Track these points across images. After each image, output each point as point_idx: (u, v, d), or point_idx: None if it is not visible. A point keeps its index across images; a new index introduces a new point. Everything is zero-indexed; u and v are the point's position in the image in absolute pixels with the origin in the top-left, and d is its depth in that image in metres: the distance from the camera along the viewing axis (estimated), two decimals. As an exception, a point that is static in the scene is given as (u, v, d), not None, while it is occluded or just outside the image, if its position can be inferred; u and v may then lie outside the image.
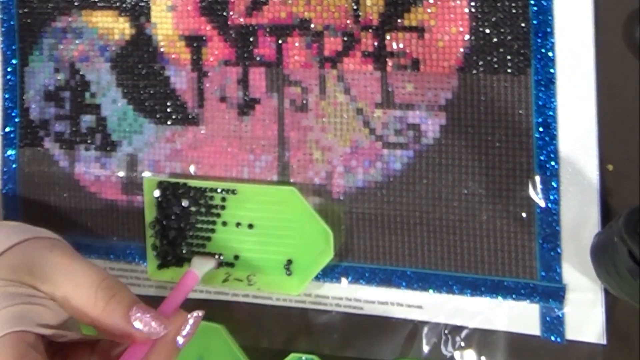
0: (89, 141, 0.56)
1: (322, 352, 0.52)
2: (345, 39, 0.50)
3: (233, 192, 0.52)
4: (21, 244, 0.42)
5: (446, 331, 0.49)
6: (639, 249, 0.39)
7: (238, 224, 0.53)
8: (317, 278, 0.51)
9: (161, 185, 0.54)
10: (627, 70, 0.46)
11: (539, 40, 0.47)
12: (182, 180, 0.53)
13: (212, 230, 0.53)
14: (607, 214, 0.46)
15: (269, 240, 0.52)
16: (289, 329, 0.53)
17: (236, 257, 0.53)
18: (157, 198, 0.54)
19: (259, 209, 0.52)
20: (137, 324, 0.40)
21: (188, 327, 0.42)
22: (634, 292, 0.41)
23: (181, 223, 0.54)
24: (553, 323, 0.47)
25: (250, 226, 0.52)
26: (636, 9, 0.45)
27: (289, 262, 0.52)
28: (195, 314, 0.43)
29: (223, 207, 0.53)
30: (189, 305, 0.54)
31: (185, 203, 0.53)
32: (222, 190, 0.53)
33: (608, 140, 0.46)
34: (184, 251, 0.54)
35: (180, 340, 0.42)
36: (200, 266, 0.51)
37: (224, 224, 0.53)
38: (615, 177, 0.46)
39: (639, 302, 0.41)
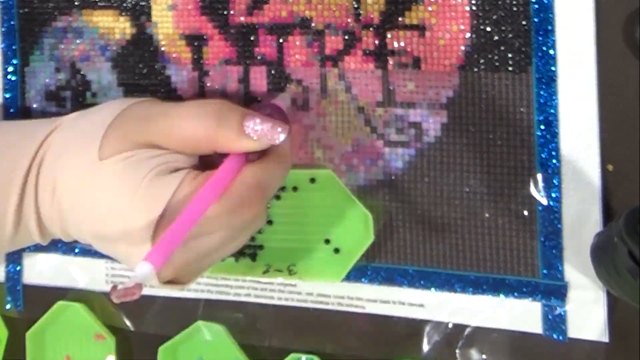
0: (90, 140, 0.56)
1: (323, 351, 0.52)
2: (346, 37, 0.50)
3: None
4: (121, 113, 0.45)
5: (448, 330, 0.49)
6: (639, 249, 0.39)
7: (276, 213, 0.52)
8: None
9: None
10: (627, 67, 0.46)
11: (540, 38, 0.46)
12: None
13: None
14: (609, 211, 0.46)
15: (307, 228, 0.51)
16: (291, 328, 0.53)
17: (276, 247, 0.52)
18: None
19: (296, 196, 0.51)
20: (251, 133, 0.42)
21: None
22: (634, 292, 0.41)
23: None
24: (555, 321, 0.47)
25: (289, 214, 0.51)
26: (637, 7, 0.45)
27: (334, 248, 0.51)
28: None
29: None
30: (189, 305, 0.55)
31: None
32: None
33: (609, 140, 0.46)
34: None
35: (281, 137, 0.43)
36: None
37: None
38: (616, 175, 0.46)
39: (639, 303, 0.41)
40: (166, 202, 0.41)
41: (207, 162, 0.45)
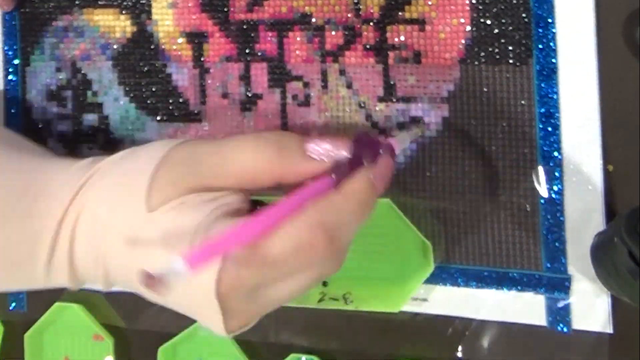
0: (91, 140, 0.56)
1: (327, 348, 0.52)
2: (347, 32, 0.50)
3: None
4: (166, 158, 0.41)
5: (452, 324, 0.49)
6: (639, 250, 0.39)
7: None
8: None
9: None
10: (627, 69, 0.46)
11: (540, 30, 0.47)
12: (263, 197, 0.50)
13: None
14: (611, 203, 0.46)
15: (363, 256, 0.50)
16: (293, 326, 0.52)
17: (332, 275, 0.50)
18: None
19: None
20: (314, 155, 0.40)
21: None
22: (634, 292, 0.41)
23: None
24: (559, 313, 0.47)
25: None
26: (636, 8, 0.45)
27: (392, 277, 0.49)
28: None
29: None
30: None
31: None
32: None
33: (609, 141, 0.46)
34: None
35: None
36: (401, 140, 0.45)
37: None
38: (617, 176, 0.46)
39: (639, 303, 0.41)
40: (219, 262, 0.36)
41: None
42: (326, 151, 0.40)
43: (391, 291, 0.49)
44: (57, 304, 0.57)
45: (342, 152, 0.40)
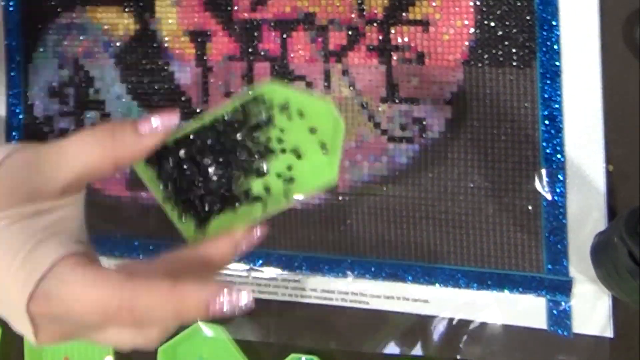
0: (93, 138, 0.56)
1: (326, 348, 0.52)
2: (350, 33, 0.50)
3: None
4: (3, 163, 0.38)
5: (453, 325, 0.49)
6: (639, 250, 0.39)
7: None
8: (322, 273, 0.51)
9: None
10: (627, 70, 0.46)
11: (544, 33, 0.47)
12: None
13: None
14: (613, 206, 0.46)
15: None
16: (294, 325, 0.52)
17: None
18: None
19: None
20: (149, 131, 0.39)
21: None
22: (634, 293, 0.41)
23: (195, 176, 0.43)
24: (560, 316, 0.47)
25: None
26: (637, 8, 0.45)
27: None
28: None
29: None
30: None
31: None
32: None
33: (609, 141, 0.46)
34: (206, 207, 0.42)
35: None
36: None
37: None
38: (617, 176, 0.46)
39: (639, 303, 0.41)
40: (35, 282, 0.35)
41: None
42: (157, 125, 0.39)
43: (320, 166, 0.41)
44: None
45: (174, 121, 0.40)
